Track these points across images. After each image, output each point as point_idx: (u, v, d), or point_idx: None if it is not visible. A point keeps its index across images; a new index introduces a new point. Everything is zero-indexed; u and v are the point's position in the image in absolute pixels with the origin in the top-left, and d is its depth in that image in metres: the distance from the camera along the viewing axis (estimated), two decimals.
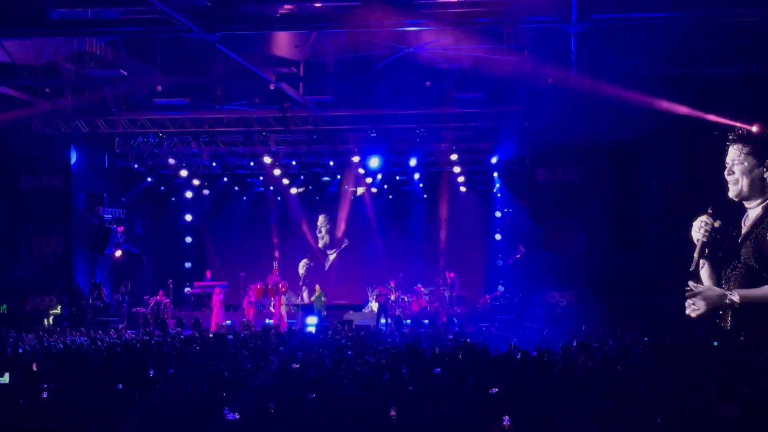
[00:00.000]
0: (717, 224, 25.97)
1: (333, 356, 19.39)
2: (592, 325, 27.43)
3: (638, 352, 19.49)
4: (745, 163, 26.44)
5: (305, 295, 37.44)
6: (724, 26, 24.72)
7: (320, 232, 40.06)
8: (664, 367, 16.91)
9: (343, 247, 40.05)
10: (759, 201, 25.93)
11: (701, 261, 25.84)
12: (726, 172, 26.84)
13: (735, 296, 25.51)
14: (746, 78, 26.90)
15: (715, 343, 21.64)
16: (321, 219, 40.10)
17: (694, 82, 27.84)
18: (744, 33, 25.55)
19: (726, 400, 12.54)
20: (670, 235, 29.93)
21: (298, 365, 17.90)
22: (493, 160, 35.08)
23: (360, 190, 38.45)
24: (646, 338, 23.12)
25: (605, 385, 14.52)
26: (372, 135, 31.80)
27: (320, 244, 39.96)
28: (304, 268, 38.34)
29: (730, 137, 27.04)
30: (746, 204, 26.01)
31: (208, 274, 38.57)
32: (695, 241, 25.61)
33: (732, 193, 26.74)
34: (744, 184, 26.49)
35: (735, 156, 26.83)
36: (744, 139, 26.72)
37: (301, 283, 37.79)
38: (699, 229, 25.70)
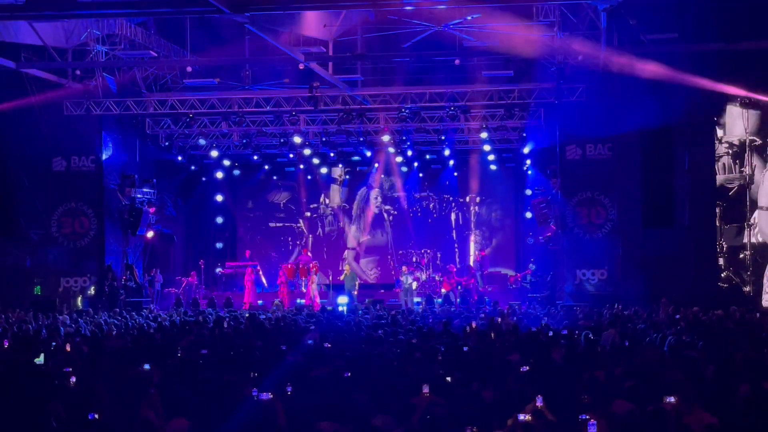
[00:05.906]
0: None
1: (366, 335, 19.44)
2: (623, 302, 27.34)
3: (671, 330, 19.41)
4: None
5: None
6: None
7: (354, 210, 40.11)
8: (696, 343, 16.82)
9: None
10: None
11: None
12: None
13: None
14: None
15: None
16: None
17: (725, 57, 27.57)
18: None
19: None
20: (701, 211, 29.74)
21: (330, 344, 17.97)
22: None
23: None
24: (678, 316, 23.03)
25: (637, 363, 14.48)
26: (402, 113, 31.73)
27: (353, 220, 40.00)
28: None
29: None
30: None
31: (247, 253, 38.62)
32: None
33: None
34: None
35: None
36: None
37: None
38: None
